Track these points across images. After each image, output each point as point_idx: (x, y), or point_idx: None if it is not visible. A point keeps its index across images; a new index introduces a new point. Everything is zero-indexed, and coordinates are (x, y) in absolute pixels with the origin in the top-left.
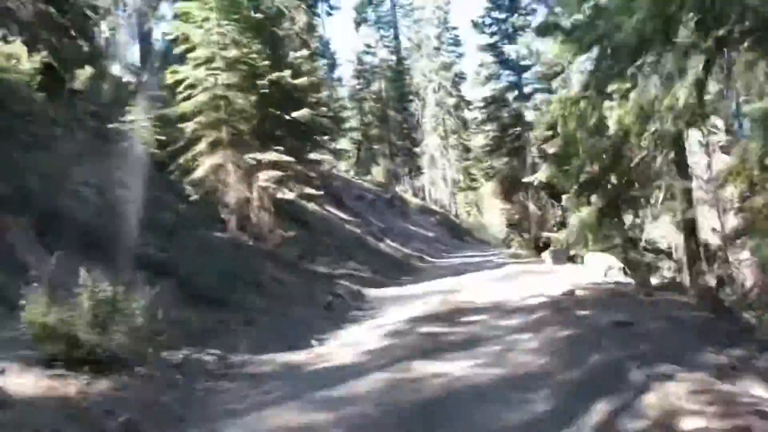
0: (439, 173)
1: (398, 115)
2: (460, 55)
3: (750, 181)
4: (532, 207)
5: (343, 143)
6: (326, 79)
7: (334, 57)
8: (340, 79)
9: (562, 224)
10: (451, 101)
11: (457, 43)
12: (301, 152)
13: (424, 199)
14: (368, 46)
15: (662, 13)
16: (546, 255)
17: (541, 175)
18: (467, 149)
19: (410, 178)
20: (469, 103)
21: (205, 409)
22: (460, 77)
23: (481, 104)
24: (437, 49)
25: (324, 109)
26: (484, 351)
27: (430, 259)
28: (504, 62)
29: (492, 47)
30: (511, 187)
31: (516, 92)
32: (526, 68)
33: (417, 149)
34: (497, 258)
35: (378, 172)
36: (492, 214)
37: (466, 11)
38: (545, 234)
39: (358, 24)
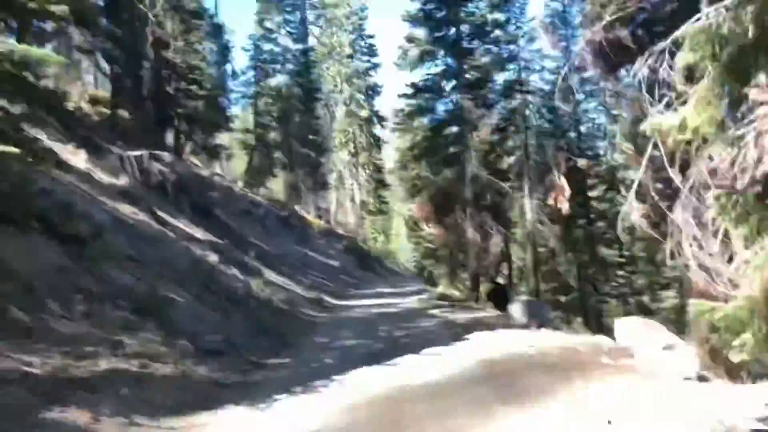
0: (347, 194)
1: (302, 118)
2: (375, 66)
3: None
4: (471, 232)
5: (231, 144)
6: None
7: (228, 45)
8: (234, 74)
9: (505, 256)
10: (364, 114)
11: (372, 52)
12: None
13: (329, 222)
14: (269, 30)
15: None
16: (517, 309)
17: (672, 118)
18: (378, 169)
19: (314, 195)
20: (382, 119)
21: None
22: (374, 90)
23: (409, 92)
24: (350, 57)
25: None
26: None
27: (332, 301)
28: (440, 39)
29: (426, 18)
30: (444, 206)
31: (455, 81)
32: (470, 51)
33: (323, 160)
34: (428, 303)
35: (276, 186)
36: (400, 241)
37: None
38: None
39: (261, 21)
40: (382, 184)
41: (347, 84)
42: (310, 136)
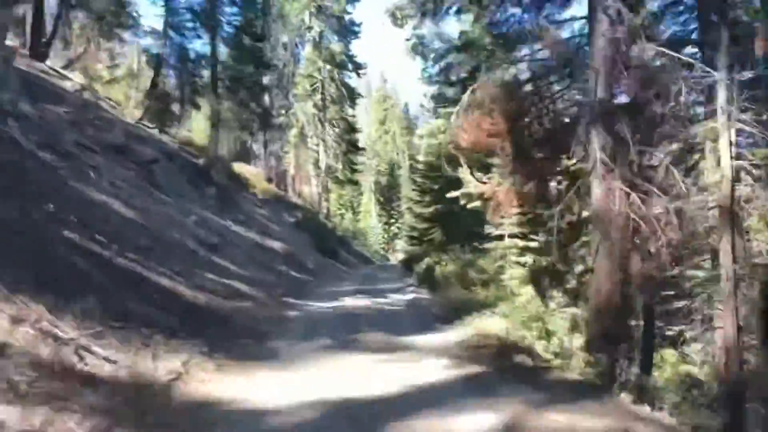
0: (310, 155)
1: (238, 18)
2: (354, 0)
3: None
4: (599, 195)
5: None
6: None
7: None
8: None
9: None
10: (336, 52)
11: None
12: None
13: (285, 189)
14: None
15: None
16: None
17: None
18: (351, 128)
19: (265, 152)
20: (359, 66)
21: None
22: (350, 30)
23: None
24: None
25: None
26: None
27: (216, 389)
28: None
29: None
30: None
31: None
32: None
33: (274, 89)
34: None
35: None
36: (370, 219)
37: None
38: None
39: None
40: (354, 146)
41: (317, 18)
42: (250, 41)
